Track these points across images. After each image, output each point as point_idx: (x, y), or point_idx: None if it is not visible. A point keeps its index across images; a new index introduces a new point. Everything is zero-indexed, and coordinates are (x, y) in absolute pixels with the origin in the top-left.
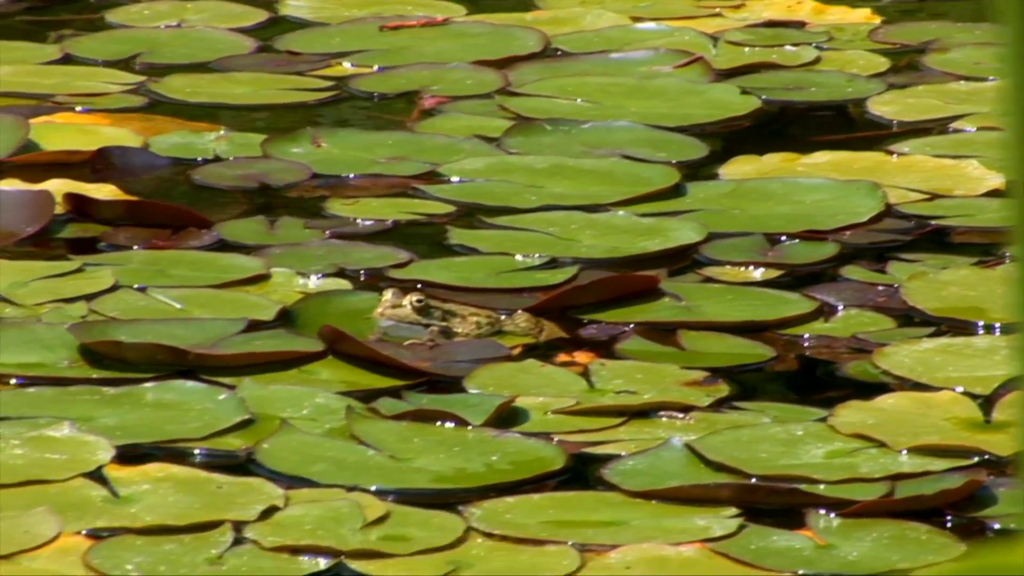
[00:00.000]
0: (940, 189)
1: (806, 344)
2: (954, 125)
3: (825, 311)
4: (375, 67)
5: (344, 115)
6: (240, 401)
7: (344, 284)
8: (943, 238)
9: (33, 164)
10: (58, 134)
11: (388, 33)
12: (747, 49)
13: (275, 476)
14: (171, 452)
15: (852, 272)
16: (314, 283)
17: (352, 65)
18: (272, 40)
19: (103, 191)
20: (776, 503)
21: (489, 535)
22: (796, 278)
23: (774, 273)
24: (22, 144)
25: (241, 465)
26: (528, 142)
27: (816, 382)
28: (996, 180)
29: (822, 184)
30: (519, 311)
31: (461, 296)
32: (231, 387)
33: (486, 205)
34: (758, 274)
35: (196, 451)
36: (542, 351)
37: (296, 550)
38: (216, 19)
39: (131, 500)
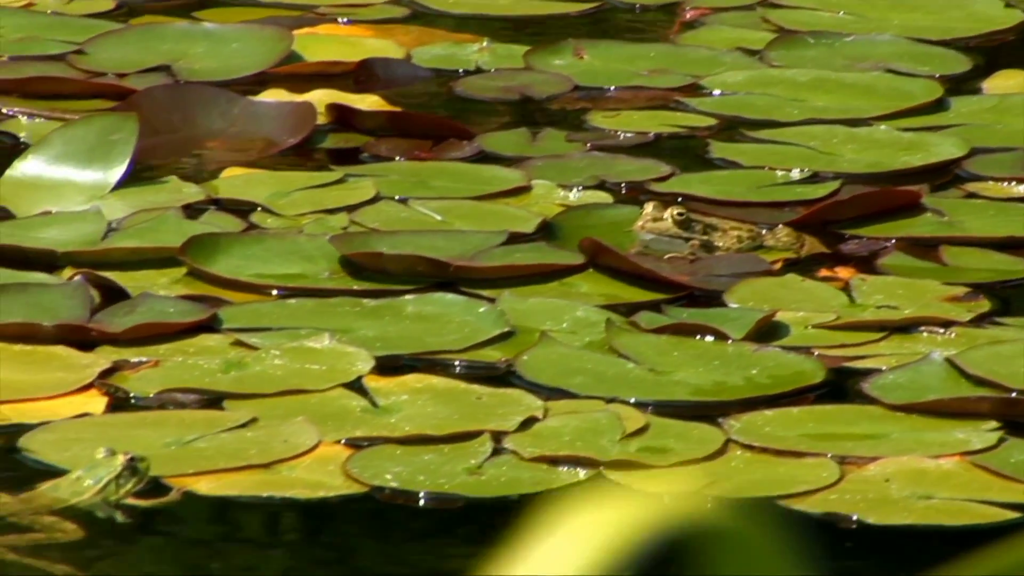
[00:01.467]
0: None
1: None
2: None
3: None
4: None
5: (606, 27)
6: (500, 314)
7: (605, 197)
8: None
9: (296, 75)
10: (321, 45)
11: None
12: None
13: (534, 388)
14: (430, 363)
15: None
16: (575, 195)
17: None
18: None
19: (365, 102)
20: None
21: (748, 447)
22: None
23: None
24: (285, 55)
25: (500, 377)
26: (790, 55)
27: None
28: None
29: None
30: (780, 225)
31: (722, 210)
32: (491, 300)
33: (747, 118)
34: (1021, 189)
35: (455, 363)
36: (803, 265)
37: (555, 460)
38: None
39: (390, 410)
